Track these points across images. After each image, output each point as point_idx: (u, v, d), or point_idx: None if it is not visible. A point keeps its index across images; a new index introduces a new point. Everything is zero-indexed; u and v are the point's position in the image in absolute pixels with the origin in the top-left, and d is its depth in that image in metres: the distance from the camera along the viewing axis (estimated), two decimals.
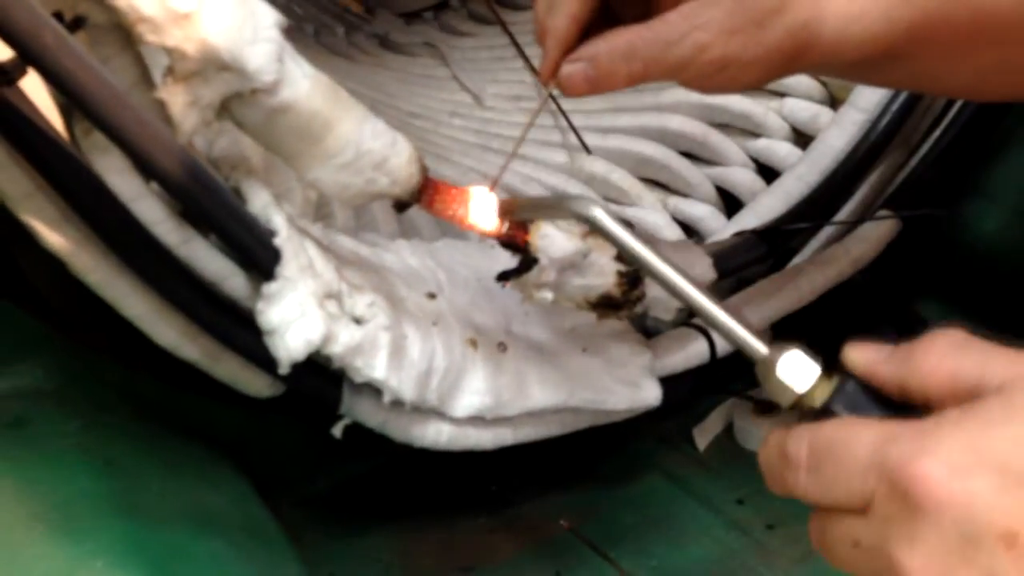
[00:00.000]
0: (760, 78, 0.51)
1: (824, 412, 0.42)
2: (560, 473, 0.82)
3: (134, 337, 0.61)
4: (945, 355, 0.40)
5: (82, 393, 0.64)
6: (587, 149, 0.85)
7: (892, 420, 0.39)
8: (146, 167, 0.48)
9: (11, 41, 0.42)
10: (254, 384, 0.61)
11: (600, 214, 0.49)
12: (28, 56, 0.43)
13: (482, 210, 0.57)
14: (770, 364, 0.43)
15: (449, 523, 0.76)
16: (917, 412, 0.39)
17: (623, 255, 0.50)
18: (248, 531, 0.63)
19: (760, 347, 0.44)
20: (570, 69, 0.53)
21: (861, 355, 0.42)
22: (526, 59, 0.93)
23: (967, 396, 0.39)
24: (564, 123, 0.86)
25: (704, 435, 0.83)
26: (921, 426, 0.38)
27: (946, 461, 0.37)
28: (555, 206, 0.56)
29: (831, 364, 0.44)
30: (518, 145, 0.59)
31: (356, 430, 0.64)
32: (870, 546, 0.39)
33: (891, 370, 0.41)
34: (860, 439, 0.39)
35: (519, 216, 0.57)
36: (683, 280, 0.47)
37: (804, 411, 0.43)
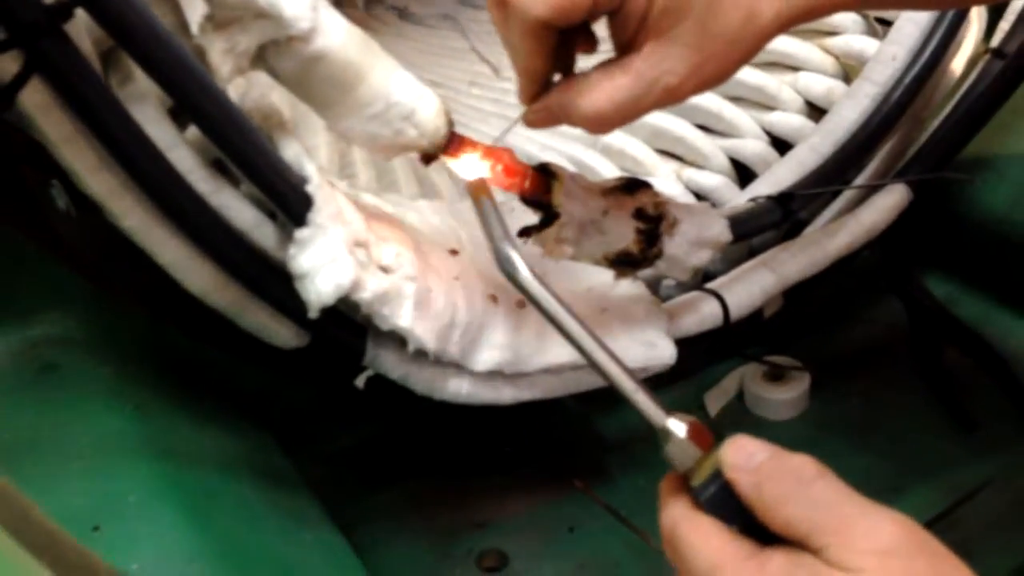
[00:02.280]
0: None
1: (697, 494, 0.45)
2: (573, 438, 0.83)
3: (162, 290, 0.62)
4: (787, 498, 0.41)
5: (111, 343, 0.65)
6: None
7: (736, 540, 0.42)
8: (188, 109, 0.49)
9: None
10: (280, 334, 0.62)
11: (517, 267, 0.50)
12: None
13: (507, 168, 0.59)
14: (663, 436, 0.46)
15: (464, 482, 0.78)
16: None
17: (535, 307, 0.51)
18: (272, 478, 0.64)
19: (660, 417, 0.46)
20: (535, 117, 0.56)
21: (732, 457, 0.43)
22: None
23: (797, 541, 0.41)
24: None
25: (716, 400, 0.84)
26: (745, 567, 0.41)
27: None
28: (492, 228, 0.55)
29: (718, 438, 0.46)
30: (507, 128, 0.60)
31: (374, 389, 0.65)
32: None
33: (746, 489, 0.43)
34: (701, 554, 0.42)
35: (479, 200, 0.58)
36: (594, 344, 0.48)
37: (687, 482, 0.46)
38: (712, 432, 0.45)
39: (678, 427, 0.45)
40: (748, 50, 0.52)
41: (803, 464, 0.42)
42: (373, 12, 1.04)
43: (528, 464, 0.79)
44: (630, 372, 0.47)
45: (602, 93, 0.52)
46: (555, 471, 0.79)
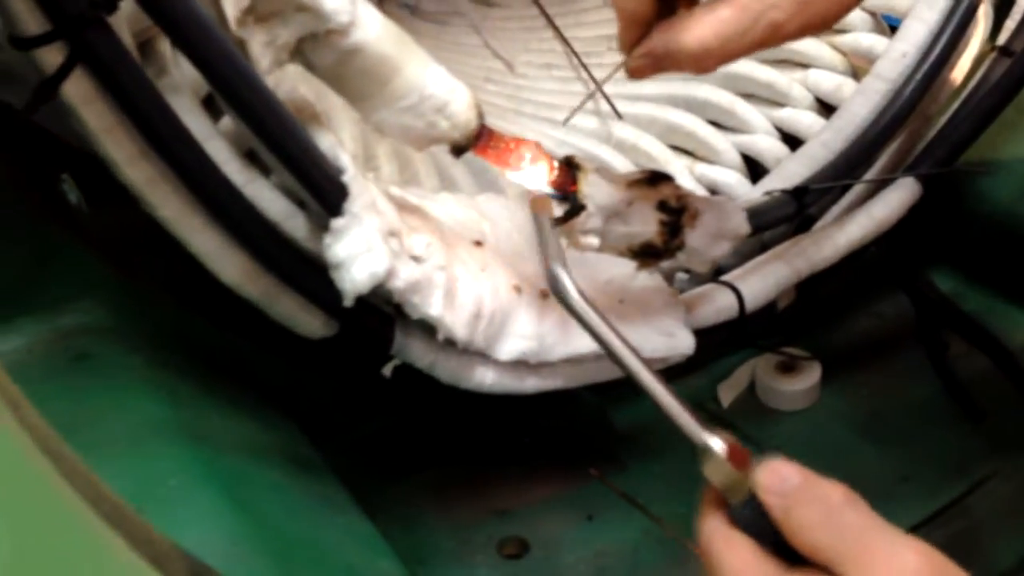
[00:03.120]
0: (839, 19, 0.53)
1: (733, 512, 0.46)
2: (589, 426, 0.84)
3: (190, 280, 0.63)
4: (814, 525, 0.42)
5: (141, 331, 0.66)
6: (619, 115, 0.88)
7: (766, 560, 0.43)
8: (232, 100, 0.50)
9: None
10: (310, 324, 0.63)
11: (566, 285, 0.51)
12: None
13: (534, 161, 0.60)
14: (703, 454, 0.47)
15: (483, 471, 0.79)
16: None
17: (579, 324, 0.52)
18: (301, 465, 0.65)
19: (700, 436, 0.47)
20: (637, 64, 0.55)
21: (766, 480, 0.45)
22: (556, 29, 0.96)
23: (822, 566, 0.42)
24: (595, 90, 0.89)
25: (729, 392, 0.86)
26: None
27: None
28: (545, 244, 0.57)
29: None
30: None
31: (398, 379, 0.67)
32: None
33: (776, 512, 0.44)
34: (730, 568, 0.44)
35: (537, 212, 0.59)
36: (635, 361, 0.50)
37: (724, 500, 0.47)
38: (749, 452, 0.47)
39: (718, 446, 0.46)
40: None
41: (832, 491, 0.43)
42: (386, 8, 1.05)
43: (545, 453, 0.81)
44: (673, 392, 0.48)
45: (708, 27, 0.52)
46: (572, 460, 0.80)
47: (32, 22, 0.48)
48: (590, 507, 0.76)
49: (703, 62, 0.54)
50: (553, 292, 0.53)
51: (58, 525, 0.31)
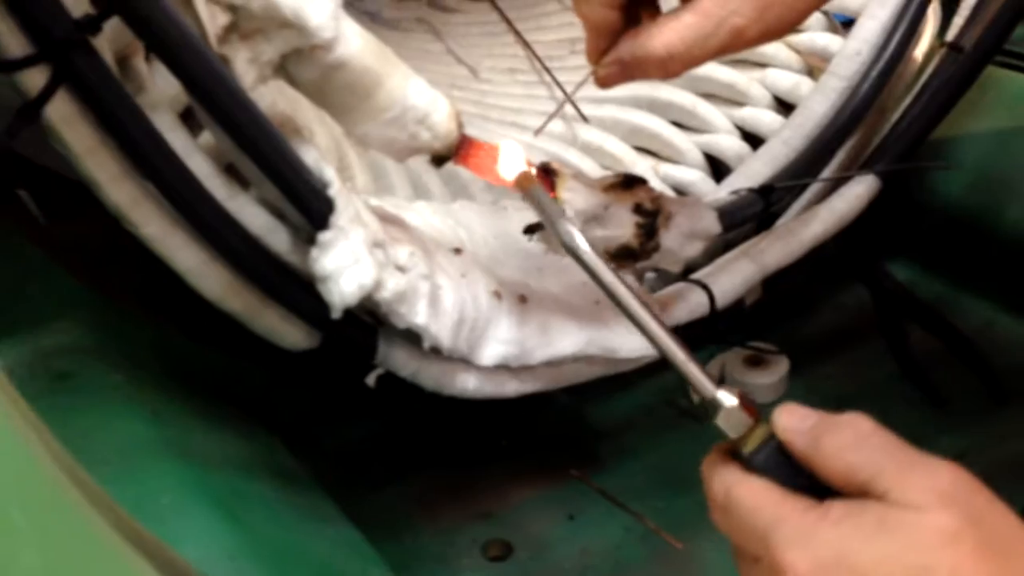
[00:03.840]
0: (800, 23, 0.55)
1: (748, 461, 0.46)
2: (566, 429, 0.86)
3: (163, 295, 0.63)
4: (847, 447, 0.43)
5: (119, 349, 0.66)
6: (584, 118, 0.89)
7: (793, 496, 0.43)
8: (218, 117, 0.50)
9: None
10: (292, 336, 0.63)
11: (577, 239, 0.52)
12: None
13: (513, 166, 0.61)
14: (714, 407, 0.48)
15: (465, 475, 0.80)
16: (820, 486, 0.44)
17: (593, 279, 0.53)
18: (285, 477, 0.66)
19: (710, 389, 0.48)
20: (606, 72, 0.57)
21: (785, 420, 0.45)
22: (518, 34, 0.97)
23: (858, 490, 0.42)
24: (559, 94, 0.90)
25: None
26: (806, 517, 0.42)
27: (813, 558, 0.41)
28: (546, 211, 0.58)
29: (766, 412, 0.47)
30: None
31: (370, 390, 0.67)
32: None
33: (802, 446, 0.44)
34: (761, 511, 0.43)
35: (523, 192, 0.60)
36: (646, 314, 0.51)
37: (736, 452, 0.47)
38: (756, 405, 0.47)
39: (728, 398, 0.47)
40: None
41: (858, 419, 0.43)
42: None
43: (526, 455, 0.82)
44: (683, 344, 0.49)
45: (673, 33, 0.54)
46: (552, 461, 0.81)
47: (15, 45, 0.48)
48: (572, 506, 0.77)
49: (670, 67, 0.56)
50: (565, 247, 0.53)
51: (88, 550, 0.31)
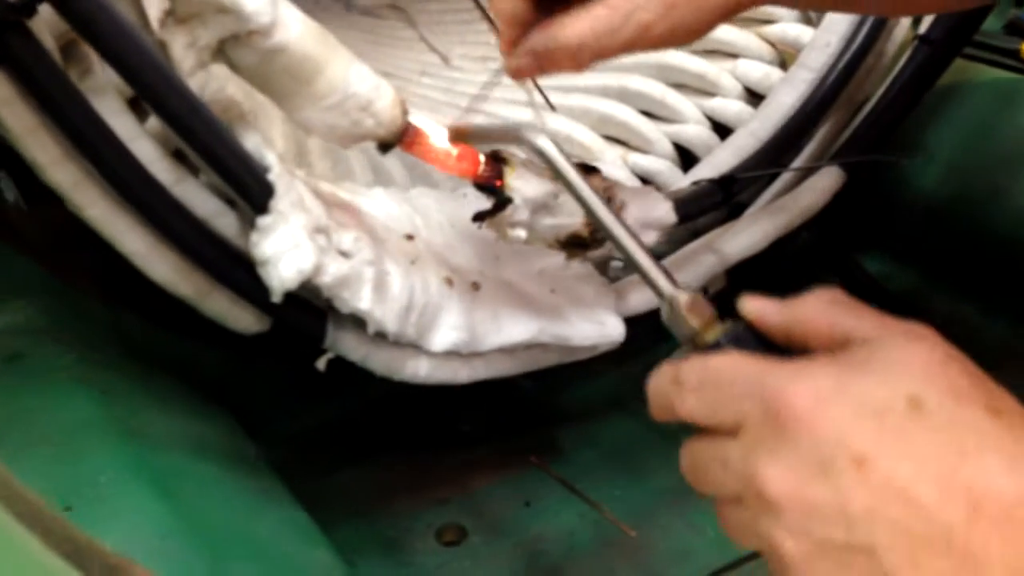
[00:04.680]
0: (709, 30, 0.55)
1: (715, 348, 0.47)
2: (528, 414, 0.86)
3: (122, 278, 0.64)
4: (825, 309, 0.44)
5: (73, 331, 0.66)
6: (552, 107, 0.89)
7: (774, 358, 0.43)
8: (151, 102, 0.51)
9: None
10: (243, 320, 0.64)
11: (545, 143, 0.54)
12: None
13: (461, 155, 0.61)
14: (674, 301, 0.49)
15: (423, 461, 0.80)
16: (795, 356, 0.43)
17: (560, 182, 0.54)
18: (237, 459, 0.66)
19: (667, 285, 0.49)
20: (518, 63, 0.58)
21: (753, 304, 0.46)
22: (491, 22, 0.97)
23: (839, 345, 0.43)
24: (529, 83, 0.90)
25: None
26: (797, 362, 0.42)
27: (813, 390, 0.41)
28: (505, 134, 0.59)
29: (726, 313, 0.48)
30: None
31: (333, 374, 0.67)
32: (736, 464, 0.43)
33: (778, 318, 0.45)
34: (743, 369, 0.43)
35: (470, 142, 0.60)
36: (606, 213, 0.52)
37: (698, 347, 0.48)
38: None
39: (688, 292, 0.48)
40: (717, 4, 0.53)
41: (828, 289, 0.44)
42: (320, 3, 1.05)
43: (485, 442, 0.82)
44: (641, 244, 0.51)
45: (584, 23, 0.54)
46: (512, 448, 0.81)
47: None
48: (528, 493, 0.78)
49: (580, 58, 0.56)
50: (529, 147, 0.54)
51: None
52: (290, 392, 0.81)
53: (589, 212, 0.53)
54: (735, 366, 0.44)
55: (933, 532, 0.40)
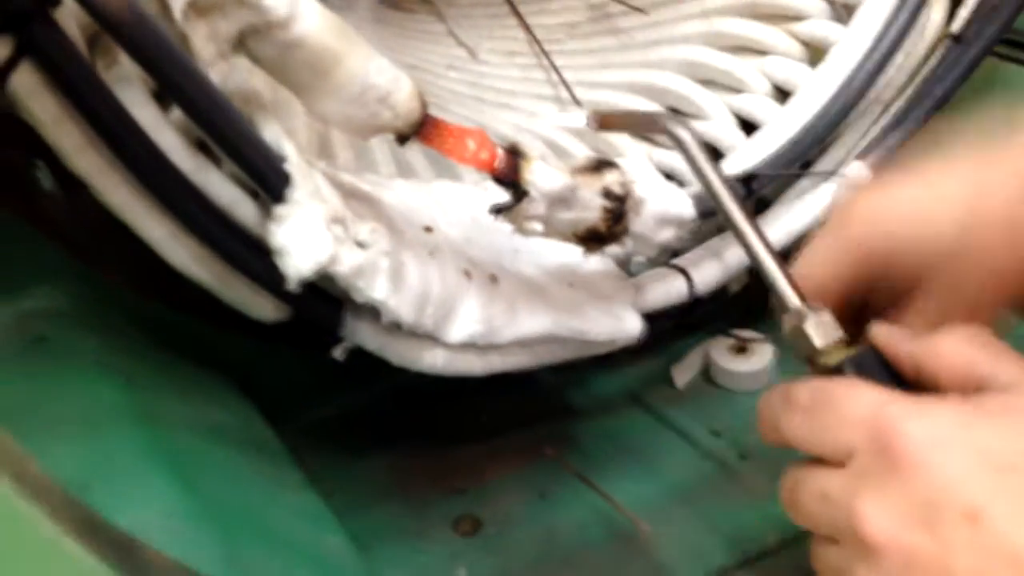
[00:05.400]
0: None
1: (836, 371, 0.45)
2: (546, 408, 0.86)
3: (148, 266, 0.65)
4: (964, 347, 0.42)
5: (97, 316, 0.68)
6: (577, 102, 0.89)
7: (897, 391, 0.41)
8: (170, 92, 0.52)
9: None
10: (261, 308, 0.65)
11: (685, 133, 0.54)
12: None
13: (479, 149, 0.61)
14: (799, 317, 0.47)
15: (442, 451, 0.81)
16: (922, 393, 0.41)
17: (696, 175, 0.54)
18: (255, 446, 0.67)
19: (794, 298, 0.48)
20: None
21: (884, 330, 0.44)
22: (519, 16, 0.97)
23: (974, 387, 0.40)
24: (555, 78, 0.91)
25: (683, 373, 0.87)
26: (921, 398, 0.40)
27: (934, 429, 0.39)
28: (647, 122, 0.59)
29: (854, 339, 0.46)
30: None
31: (354, 363, 0.68)
32: (838, 498, 0.41)
33: (910, 348, 0.43)
34: (861, 396, 0.41)
35: (614, 129, 0.61)
36: (742, 217, 0.51)
37: (818, 369, 0.46)
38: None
39: (813, 312, 0.47)
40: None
41: (965, 326, 0.42)
42: None
43: (503, 433, 0.83)
44: (772, 250, 0.51)
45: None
46: (529, 440, 0.82)
47: None
48: (543, 485, 0.78)
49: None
50: (673, 139, 0.56)
51: None
52: (310, 381, 0.81)
53: (720, 209, 0.53)
54: (852, 391, 0.42)
55: None
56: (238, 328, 0.71)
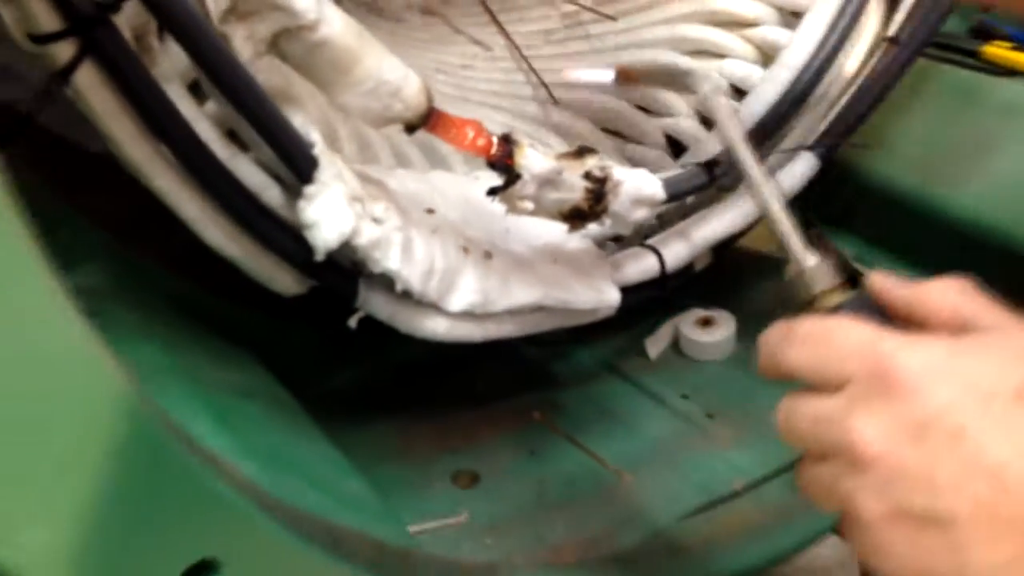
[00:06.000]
0: None
1: (834, 313, 0.50)
2: (533, 379, 0.95)
3: (179, 249, 0.73)
4: (951, 294, 0.47)
5: (135, 294, 0.75)
6: (555, 101, 0.98)
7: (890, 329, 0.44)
8: (220, 85, 0.60)
9: None
10: (284, 282, 0.73)
11: (709, 86, 0.62)
12: None
13: (477, 137, 0.70)
14: (804, 262, 0.54)
15: (441, 416, 0.89)
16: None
17: (717, 123, 0.63)
18: (279, 405, 0.75)
19: (799, 246, 0.55)
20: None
21: (879, 277, 0.49)
22: (499, 24, 1.07)
23: (960, 329, 0.44)
24: (535, 79, 1.00)
25: (655, 345, 0.96)
26: (912, 335, 0.44)
27: (924, 361, 0.43)
28: (670, 76, 0.66)
29: (853, 283, 0.52)
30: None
31: (359, 341, 0.76)
32: (832, 417, 0.44)
33: (903, 294, 0.48)
34: (858, 331, 0.45)
35: (643, 81, 0.68)
36: (758, 171, 0.60)
37: (817, 312, 0.51)
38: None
39: (815, 259, 0.54)
40: None
41: (961, 280, 0.47)
42: (345, 7, 1.13)
43: (495, 401, 0.91)
44: (783, 202, 0.58)
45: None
46: (518, 406, 0.90)
47: (47, 21, 0.58)
48: (533, 444, 0.87)
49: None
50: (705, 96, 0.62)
51: None
52: (324, 356, 0.90)
53: (737, 161, 0.60)
54: (850, 326, 0.46)
55: (1016, 515, 0.40)
56: (259, 306, 0.79)
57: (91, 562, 0.43)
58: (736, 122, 0.62)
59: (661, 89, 1.01)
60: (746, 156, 0.61)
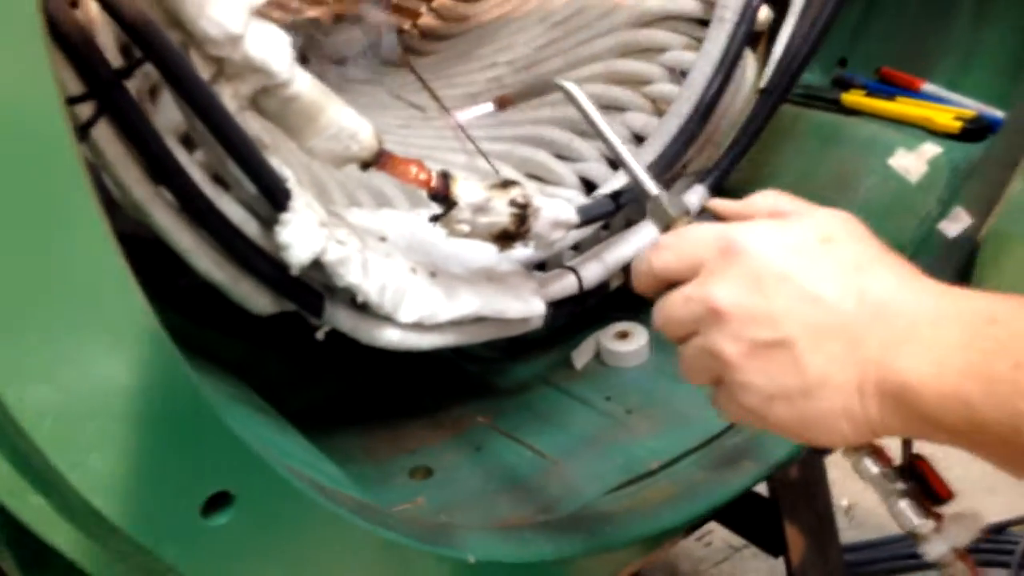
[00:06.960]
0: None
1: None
2: (476, 391, 1.08)
3: (163, 279, 0.86)
4: (771, 197, 0.65)
5: None
6: (483, 153, 1.14)
7: None
8: (215, 132, 0.73)
9: (139, 42, 0.68)
10: (261, 302, 0.86)
11: (571, 86, 0.79)
12: (151, 54, 0.69)
13: (419, 171, 0.85)
14: (659, 197, 0.72)
15: (396, 425, 1.02)
16: None
17: (581, 113, 0.80)
18: (261, 410, 0.88)
19: (652, 185, 0.73)
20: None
21: (716, 200, 0.68)
22: (430, 90, 1.23)
23: (779, 217, 0.61)
24: (463, 134, 1.15)
25: (580, 357, 1.11)
26: (740, 221, 0.62)
27: (755, 234, 0.58)
28: (539, 88, 0.83)
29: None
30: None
31: (327, 361, 0.89)
32: (695, 293, 0.59)
33: (735, 205, 0.66)
34: (705, 227, 0.61)
35: (518, 101, 0.85)
36: (611, 133, 0.76)
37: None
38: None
39: (667, 193, 0.72)
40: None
41: (777, 191, 0.66)
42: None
43: (443, 410, 1.04)
44: (635, 159, 0.76)
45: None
46: (464, 414, 1.04)
47: (72, 85, 0.71)
48: (479, 442, 1.00)
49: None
50: (560, 87, 0.81)
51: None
52: (295, 379, 1.02)
53: (598, 131, 0.77)
54: (698, 226, 0.62)
55: (832, 321, 0.54)
56: (239, 335, 0.92)
57: (134, 487, 0.56)
58: (589, 102, 0.79)
59: (576, 137, 1.17)
60: (602, 125, 0.78)
